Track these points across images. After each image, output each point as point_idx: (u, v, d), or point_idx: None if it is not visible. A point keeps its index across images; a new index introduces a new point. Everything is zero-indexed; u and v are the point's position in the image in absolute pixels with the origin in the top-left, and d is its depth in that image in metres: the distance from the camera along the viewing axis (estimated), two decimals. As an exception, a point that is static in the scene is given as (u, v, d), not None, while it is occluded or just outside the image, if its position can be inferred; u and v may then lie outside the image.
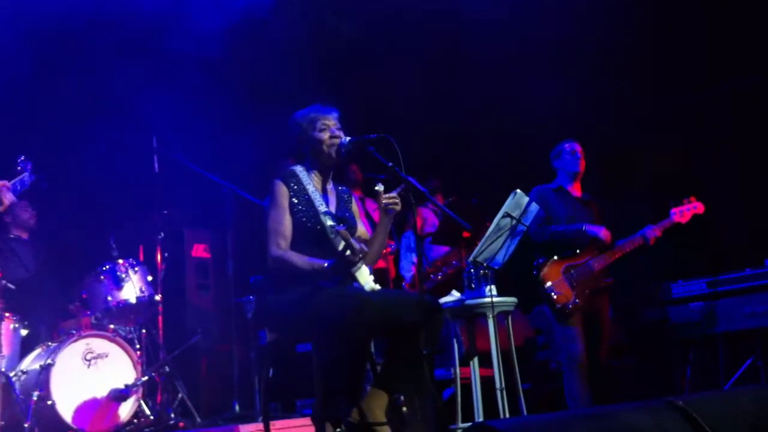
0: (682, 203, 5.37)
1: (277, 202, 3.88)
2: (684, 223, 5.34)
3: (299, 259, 3.77)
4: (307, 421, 4.31)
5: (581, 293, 5.19)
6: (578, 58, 6.79)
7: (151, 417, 5.38)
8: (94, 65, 5.99)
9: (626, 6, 6.45)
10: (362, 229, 4.13)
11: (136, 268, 5.69)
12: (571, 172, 5.45)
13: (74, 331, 5.31)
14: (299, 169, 3.99)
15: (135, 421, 5.31)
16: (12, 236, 5.82)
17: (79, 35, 5.84)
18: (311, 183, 3.95)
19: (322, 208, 3.88)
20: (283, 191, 3.89)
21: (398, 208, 3.90)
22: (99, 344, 5.30)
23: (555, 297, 5.19)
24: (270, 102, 6.14)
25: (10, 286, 5.31)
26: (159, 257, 5.99)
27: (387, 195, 3.87)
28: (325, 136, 3.96)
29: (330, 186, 4.08)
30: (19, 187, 4.71)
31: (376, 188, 3.89)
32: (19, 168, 4.85)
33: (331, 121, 3.99)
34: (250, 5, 6.10)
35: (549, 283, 5.22)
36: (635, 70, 6.83)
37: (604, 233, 5.24)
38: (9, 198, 4.62)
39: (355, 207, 4.17)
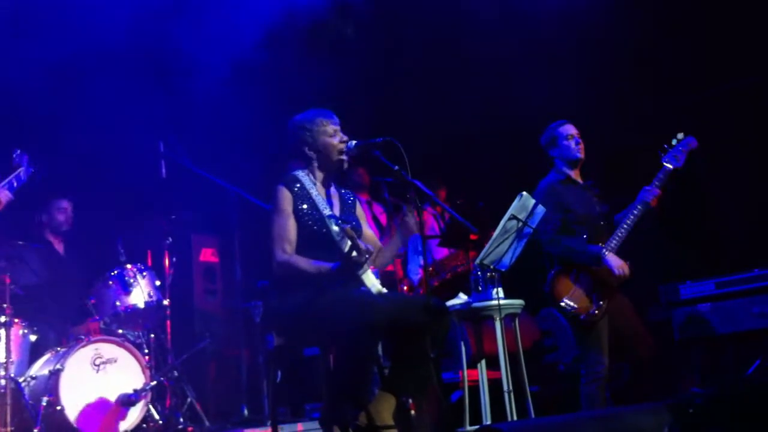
0: (670, 146, 4.85)
1: (280, 207, 3.89)
2: (681, 169, 4.80)
3: (305, 263, 3.79)
4: (316, 425, 4.32)
5: (601, 293, 4.71)
6: (578, 57, 6.79)
7: (160, 421, 5.39)
8: (102, 70, 6.00)
9: (626, 6, 6.45)
10: (369, 233, 4.15)
11: (144, 273, 5.70)
12: (571, 161, 4.97)
13: (83, 337, 5.31)
14: (302, 174, 4.00)
15: (144, 425, 5.32)
16: (21, 243, 5.83)
17: (85, 39, 5.86)
18: (314, 187, 3.97)
19: (327, 212, 3.89)
20: (286, 196, 3.90)
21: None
22: (108, 349, 5.31)
23: (574, 311, 4.68)
24: (273, 105, 6.16)
25: (19, 292, 5.33)
26: (167, 262, 6.01)
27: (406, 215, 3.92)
28: (336, 141, 3.99)
29: (333, 189, 4.10)
30: (15, 184, 4.54)
31: (405, 217, 3.94)
32: (14, 164, 4.68)
33: (337, 126, 4.03)
34: (256, 11, 6.11)
35: (564, 300, 4.71)
36: (635, 70, 6.83)
37: (621, 267, 4.65)
38: (5, 195, 4.47)
39: (360, 210, 4.19)
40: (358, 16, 6.89)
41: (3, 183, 4.49)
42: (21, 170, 4.59)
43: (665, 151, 4.88)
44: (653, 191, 4.81)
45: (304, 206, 3.90)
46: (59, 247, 6.16)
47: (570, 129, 4.99)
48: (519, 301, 4.90)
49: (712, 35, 6.36)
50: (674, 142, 4.90)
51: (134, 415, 5.26)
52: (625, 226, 4.79)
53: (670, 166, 4.85)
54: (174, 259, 6.03)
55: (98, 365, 5.26)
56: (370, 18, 6.96)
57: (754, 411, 2.64)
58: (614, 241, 4.76)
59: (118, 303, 5.57)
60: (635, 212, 4.80)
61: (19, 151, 4.65)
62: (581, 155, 4.97)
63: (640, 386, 4.80)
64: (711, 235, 6.66)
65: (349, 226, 3.75)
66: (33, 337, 5.40)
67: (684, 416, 2.72)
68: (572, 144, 4.95)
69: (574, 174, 5.01)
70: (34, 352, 5.39)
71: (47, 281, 5.78)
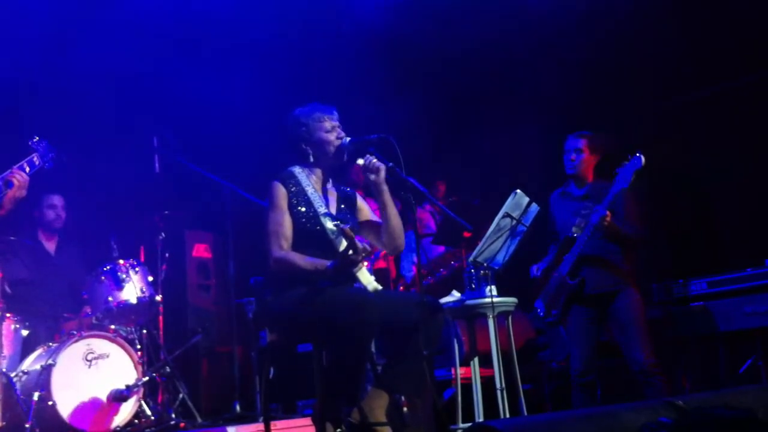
0: (620, 165, 4.67)
1: (276, 203, 3.87)
2: (627, 189, 4.64)
3: (301, 260, 3.76)
4: (308, 421, 4.31)
5: (557, 303, 4.85)
6: (578, 57, 6.78)
7: (152, 417, 5.38)
8: (96, 62, 5.99)
9: (625, 5, 6.44)
10: (373, 222, 4.13)
11: (137, 269, 5.68)
12: (567, 175, 4.99)
13: (75, 332, 5.30)
14: (298, 170, 3.97)
15: (136, 421, 5.32)
16: (12, 238, 5.79)
17: (81, 34, 5.85)
18: (310, 184, 3.94)
19: (322, 209, 3.87)
20: (281, 192, 3.88)
21: (375, 169, 3.88)
22: (100, 345, 5.30)
23: (542, 314, 4.94)
24: (268, 99, 6.15)
25: (10, 287, 5.31)
26: (160, 258, 5.99)
27: (364, 164, 3.88)
28: (333, 137, 3.95)
29: (330, 186, 4.07)
30: (28, 169, 4.39)
31: (358, 161, 3.89)
32: (31, 150, 4.51)
33: (336, 122, 3.99)
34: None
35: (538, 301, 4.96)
36: (635, 70, 6.82)
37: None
38: (22, 177, 4.30)
39: (361, 204, 4.16)
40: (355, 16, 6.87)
41: (14, 167, 4.39)
42: (35, 156, 4.45)
43: (615, 174, 4.70)
44: (602, 212, 4.62)
45: (299, 203, 3.88)
46: (51, 245, 6.02)
47: (567, 142, 4.94)
48: (512, 299, 4.89)
49: (712, 34, 6.35)
50: (625, 163, 4.70)
51: (126, 410, 5.25)
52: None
53: (619, 188, 4.67)
54: (167, 254, 6.01)
55: (90, 361, 5.25)
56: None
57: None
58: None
59: (110, 298, 5.55)
60: (588, 234, 4.70)
61: (36, 138, 4.53)
62: (568, 171, 4.92)
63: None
64: (710, 234, 6.65)
65: (348, 226, 3.72)
66: (25, 332, 5.39)
67: None
68: (565, 158, 4.94)
69: (577, 184, 4.96)
70: (26, 347, 5.38)
71: (38, 277, 5.76)
